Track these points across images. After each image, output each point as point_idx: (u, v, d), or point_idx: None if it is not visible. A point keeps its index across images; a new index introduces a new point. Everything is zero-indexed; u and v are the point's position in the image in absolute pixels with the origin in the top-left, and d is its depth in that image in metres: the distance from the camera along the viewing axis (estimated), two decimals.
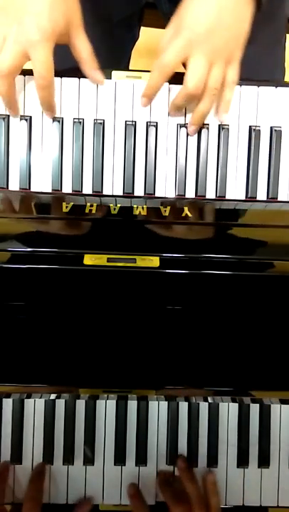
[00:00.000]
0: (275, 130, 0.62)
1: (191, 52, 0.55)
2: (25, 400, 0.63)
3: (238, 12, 0.56)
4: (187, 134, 0.62)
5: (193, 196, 0.62)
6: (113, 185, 0.62)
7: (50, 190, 0.62)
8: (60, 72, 0.61)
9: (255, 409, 0.64)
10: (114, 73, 0.62)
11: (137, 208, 0.59)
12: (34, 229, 0.57)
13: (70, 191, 0.62)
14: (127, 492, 0.63)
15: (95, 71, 0.60)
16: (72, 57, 0.60)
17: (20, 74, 0.60)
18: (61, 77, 0.61)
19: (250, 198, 0.62)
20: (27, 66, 0.61)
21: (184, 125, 0.61)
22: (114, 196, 0.62)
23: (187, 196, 0.62)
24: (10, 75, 0.56)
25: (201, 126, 0.61)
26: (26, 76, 0.61)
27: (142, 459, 0.63)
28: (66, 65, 0.61)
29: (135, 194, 0.62)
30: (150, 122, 0.62)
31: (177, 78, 0.59)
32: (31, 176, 0.62)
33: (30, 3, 0.54)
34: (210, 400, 0.63)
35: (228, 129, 0.62)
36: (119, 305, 0.55)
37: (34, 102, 0.61)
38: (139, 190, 0.62)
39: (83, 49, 0.59)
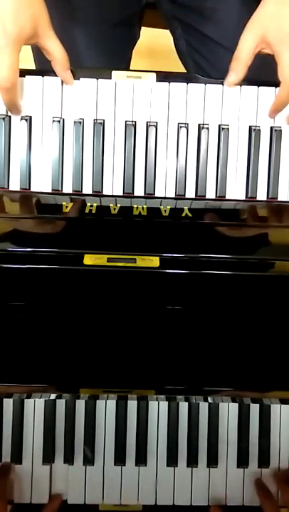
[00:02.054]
0: (275, 130, 0.62)
1: None
2: (25, 400, 0.63)
3: None
4: (187, 134, 0.62)
5: (193, 196, 0.62)
6: (113, 185, 0.62)
7: (50, 190, 0.62)
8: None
9: (255, 409, 0.64)
10: (114, 73, 0.62)
11: (137, 208, 0.59)
12: (34, 229, 0.57)
13: (70, 191, 0.62)
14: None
15: (66, 72, 0.60)
16: (72, 58, 0.61)
17: (21, 75, 0.60)
18: None
19: (250, 198, 0.62)
20: (27, 66, 0.62)
21: (184, 125, 0.61)
22: (114, 196, 0.62)
23: (187, 196, 0.62)
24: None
25: (202, 127, 0.61)
26: (26, 76, 0.61)
27: (142, 459, 0.63)
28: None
29: (135, 194, 0.62)
30: (150, 122, 0.62)
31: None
32: (31, 176, 0.62)
33: None
34: (210, 399, 0.63)
35: (228, 129, 0.62)
36: (119, 305, 0.55)
37: (34, 102, 0.61)
38: (139, 190, 0.62)
39: (54, 50, 0.59)
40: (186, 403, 0.63)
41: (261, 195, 0.62)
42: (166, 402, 0.63)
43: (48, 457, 0.63)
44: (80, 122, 0.61)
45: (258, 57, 0.60)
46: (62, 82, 0.61)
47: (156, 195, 0.62)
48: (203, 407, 0.63)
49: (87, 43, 0.74)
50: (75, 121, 0.61)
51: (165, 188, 0.62)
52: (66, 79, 0.61)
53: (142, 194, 0.62)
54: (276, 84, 0.61)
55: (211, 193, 0.62)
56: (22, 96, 0.61)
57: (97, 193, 0.62)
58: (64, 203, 0.59)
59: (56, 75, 0.61)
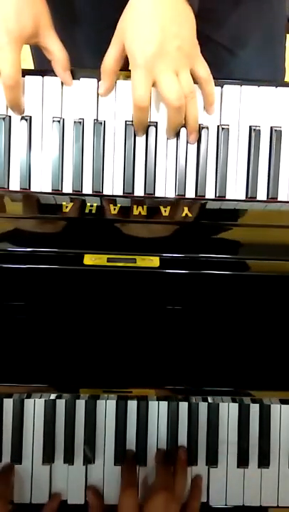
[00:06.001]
0: (275, 130, 0.62)
1: (155, 73, 0.56)
2: (25, 400, 0.63)
3: (179, 16, 0.56)
4: (187, 134, 0.61)
5: (193, 196, 0.62)
6: (113, 185, 0.62)
7: (50, 190, 0.62)
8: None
9: (255, 409, 0.64)
10: None
11: (137, 208, 0.59)
12: (34, 229, 0.57)
13: (70, 191, 0.62)
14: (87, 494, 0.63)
15: (66, 72, 0.61)
16: (72, 58, 0.61)
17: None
18: None
19: (250, 198, 0.62)
20: (27, 66, 0.62)
21: (184, 125, 0.61)
22: (114, 196, 0.62)
23: (187, 196, 0.62)
24: None
25: (202, 127, 0.61)
26: (26, 76, 0.61)
27: (142, 459, 0.63)
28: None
29: (135, 194, 0.62)
30: (150, 122, 0.62)
31: None
32: (31, 176, 0.62)
33: None
34: (210, 400, 0.63)
35: (228, 129, 0.62)
36: (119, 305, 0.55)
37: (34, 102, 0.61)
38: (139, 190, 0.62)
39: (55, 49, 0.60)
40: (186, 403, 0.63)
41: (261, 195, 0.62)
42: (166, 402, 0.63)
43: (48, 457, 0.63)
44: (80, 122, 0.61)
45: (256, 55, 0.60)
46: (61, 83, 0.61)
47: (156, 195, 0.62)
48: (203, 407, 0.64)
49: (87, 43, 0.74)
50: (75, 121, 0.61)
51: (165, 188, 0.62)
52: (65, 79, 0.61)
53: (142, 194, 0.62)
54: (277, 84, 0.62)
55: (211, 193, 0.62)
56: (23, 96, 0.61)
57: (97, 193, 0.62)
58: (64, 203, 0.59)
59: (55, 76, 0.61)
